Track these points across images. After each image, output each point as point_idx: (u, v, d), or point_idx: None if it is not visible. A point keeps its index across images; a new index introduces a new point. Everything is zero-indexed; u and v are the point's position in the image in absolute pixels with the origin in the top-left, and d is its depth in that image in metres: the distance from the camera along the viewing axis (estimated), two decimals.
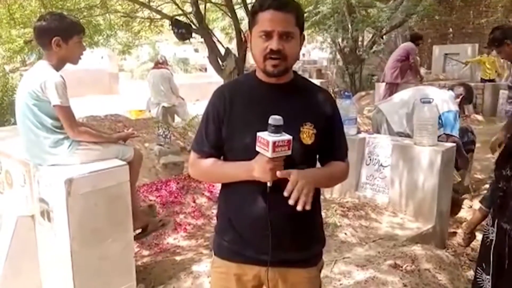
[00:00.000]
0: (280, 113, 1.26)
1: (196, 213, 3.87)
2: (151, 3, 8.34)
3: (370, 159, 3.68)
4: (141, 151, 3.43)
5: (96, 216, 2.23)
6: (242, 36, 7.10)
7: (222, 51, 7.34)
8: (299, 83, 1.48)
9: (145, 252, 3.29)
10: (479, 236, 2.68)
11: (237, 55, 7.16)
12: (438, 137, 3.51)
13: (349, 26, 10.45)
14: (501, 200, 2.37)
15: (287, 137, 1.25)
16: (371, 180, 3.66)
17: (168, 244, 3.42)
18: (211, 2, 8.18)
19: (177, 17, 7.66)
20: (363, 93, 10.70)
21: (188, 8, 8.16)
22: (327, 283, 2.44)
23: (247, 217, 1.42)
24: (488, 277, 2.41)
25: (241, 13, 8.37)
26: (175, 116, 7.90)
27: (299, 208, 1.25)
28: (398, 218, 3.37)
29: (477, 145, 4.46)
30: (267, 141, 1.24)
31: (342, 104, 3.57)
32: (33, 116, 2.28)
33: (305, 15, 8.47)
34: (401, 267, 2.57)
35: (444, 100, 3.77)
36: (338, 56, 12.48)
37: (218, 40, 7.89)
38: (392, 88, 7.19)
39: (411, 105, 3.81)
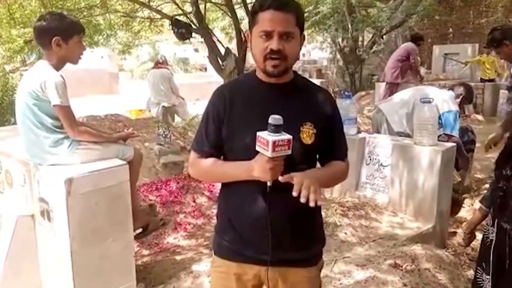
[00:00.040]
0: (280, 113, 1.26)
1: (196, 212, 3.87)
2: (151, 3, 8.34)
3: (370, 159, 3.68)
4: (141, 150, 3.43)
5: (96, 216, 2.23)
6: (242, 36, 7.10)
7: (222, 51, 7.34)
8: (299, 83, 1.48)
9: (145, 252, 3.29)
10: (479, 236, 2.68)
11: (237, 55, 7.16)
12: (438, 137, 3.51)
13: (349, 26, 10.45)
14: (501, 200, 2.37)
15: (287, 136, 1.25)
16: (371, 179, 3.66)
17: (168, 244, 3.42)
18: (211, 2, 8.17)
19: (177, 17, 7.66)
20: (363, 93, 10.70)
21: (188, 8, 8.16)
22: (327, 283, 2.44)
23: (247, 217, 1.42)
24: (488, 277, 2.41)
25: (241, 12, 8.37)
26: (175, 115, 7.90)
27: (311, 204, 1.23)
28: (398, 218, 3.38)
29: (477, 144, 4.46)
30: (267, 140, 1.24)
31: (342, 104, 3.57)
32: (33, 116, 2.28)
33: (305, 15, 8.45)
34: (401, 266, 2.58)
35: (444, 100, 3.77)
36: (338, 56, 12.49)
37: (218, 40, 7.88)
38: (392, 88, 7.19)
39: (411, 105, 3.81)
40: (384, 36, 11.66)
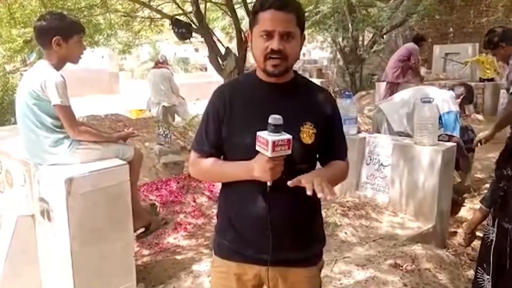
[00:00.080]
0: (280, 112, 1.26)
1: (196, 212, 3.86)
2: (151, 3, 8.36)
3: (371, 159, 3.68)
4: (141, 150, 3.43)
5: (96, 216, 2.23)
6: (242, 35, 7.11)
7: (223, 50, 7.34)
8: (299, 83, 1.48)
9: (145, 252, 3.29)
10: (479, 235, 2.68)
11: (237, 54, 7.16)
12: (439, 136, 3.51)
13: (350, 25, 10.45)
14: (502, 200, 2.37)
15: (286, 136, 1.25)
16: (372, 179, 3.66)
17: (168, 244, 3.42)
18: (211, 2, 8.17)
19: (177, 17, 7.67)
20: (363, 92, 10.69)
21: (188, 7, 8.16)
22: (327, 283, 2.44)
23: (247, 217, 1.42)
24: (488, 277, 2.41)
25: (241, 12, 8.37)
26: (175, 115, 7.89)
27: (329, 197, 1.24)
28: (398, 218, 3.37)
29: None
30: (266, 140, 1.23)
31: (343, 104, 3.57)
32: (33, 116, 2.28)
33: (306, 14, 8.45)
34: (402, 266, 2.57)
35: (444, 100, 3.77)
36: (339, 56, 12.49)
37: (218, 40, 7.89)
38: (393, 88, 7.19)
39: (412, 105, 3.81)
40: (384, 36, 11.67)
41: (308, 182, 1.25)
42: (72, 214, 2.13)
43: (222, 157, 1.47)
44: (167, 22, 8.28)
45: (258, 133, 1.27)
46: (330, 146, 1.48)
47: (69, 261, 2.15)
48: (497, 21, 11.88)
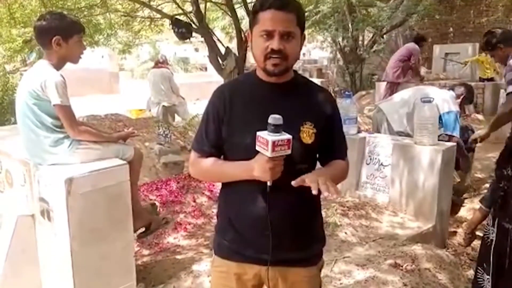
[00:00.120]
0: (280, 112, 1.26)
1: (196, 212, 3.86)
2: (151, 3, 8.36)
3: (371, 159, 3.68)
4: (141, 150, 3.43)
5: (96, 216, 2.22)
6: (242, 35, 7.11)
7: (223, 50, 7.34)
8: (299, 83, 1.48)
9: (145, 252, 3.29)
10: (479, 235, 2.68)
11: (237, 54, 7.16)
12: (439, 136, 3.51)
13: (350, 25, 10.45)
14: (502, 200, 2.37)
15: (286, 136, 1.25)
16: (372, 179, 3.66)
17: (168, 244, 3.42)
18: (211, 1, 8.17)
19: (177, 17, 7.67)
20: (363, 92, 10.69)
21: (188, 7, 8.16)
22: (327, 283, 2.44)
23: (247, 217, 1.42)
24: (488, 277, 2.41)
25: (241, 12, 8.37)
26: (176, 115, 7.89)
27: (334, 196, 1.25)
28: (398, 218, 3.37)
29: (478, 144, 4.45)
30: (266, 140, 1.23)
31: (343, 104, 3.57)
32: (33, 115, 2.28)
33: (306, 14, 8.45)
34: (401, 266, 2.57)
35: (444, 100, 3.77)
36: (339, 56, 12.49)
37: (219, 40, 7.89)
38: (393, 88, 7.18)
39: (412, 105, 3.81)
40: (384, 36, 11.66)
41: (313, 181, 1.25)
42: (72, 214, 2.13)
43: (222, 157, 1.47)
44: (167, 22, 8.28)
45: (258, 133, 1.27)
46: (330, 146, 1.48)
47: (69, 261, 2.15)
48: (497, 21, 11.88)
